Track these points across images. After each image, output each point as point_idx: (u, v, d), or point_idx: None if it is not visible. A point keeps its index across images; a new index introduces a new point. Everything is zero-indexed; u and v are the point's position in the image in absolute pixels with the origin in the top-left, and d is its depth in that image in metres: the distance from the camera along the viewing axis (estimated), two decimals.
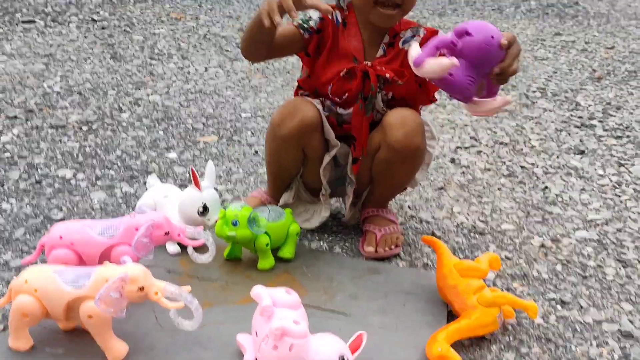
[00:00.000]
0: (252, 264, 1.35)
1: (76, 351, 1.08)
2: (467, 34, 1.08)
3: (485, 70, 1.12)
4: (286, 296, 1.07)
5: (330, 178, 1.49)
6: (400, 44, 1.40)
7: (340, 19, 1.41)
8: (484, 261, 1.22)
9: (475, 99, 1.16)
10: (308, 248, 1.47)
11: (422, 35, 1.39)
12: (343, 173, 1.50)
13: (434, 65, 1.07)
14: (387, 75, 1.36)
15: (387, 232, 1.46)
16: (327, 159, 1.44)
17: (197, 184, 1.36)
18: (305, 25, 1.39)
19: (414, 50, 1.12)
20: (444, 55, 1.09)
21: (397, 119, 1.37)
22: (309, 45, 1.40)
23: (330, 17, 1.40)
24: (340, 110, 1.43)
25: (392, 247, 1.44)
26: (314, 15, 1.40)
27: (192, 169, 1.35)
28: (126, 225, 1.18)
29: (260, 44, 1.34)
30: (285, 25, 1.36)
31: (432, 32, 1.40)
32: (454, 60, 1.07)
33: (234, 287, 1.28)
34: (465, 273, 1.21)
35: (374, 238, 1.44)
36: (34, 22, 3.06)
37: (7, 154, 1.77)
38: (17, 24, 3.00)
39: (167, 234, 1.20)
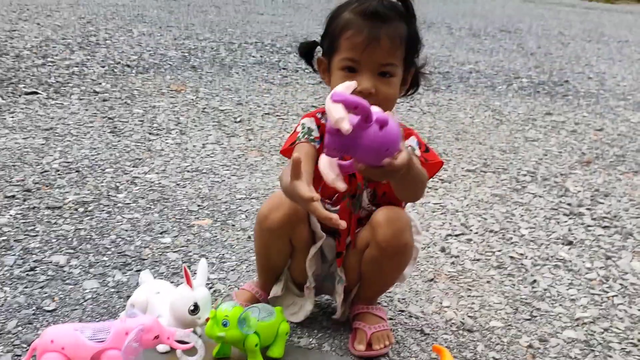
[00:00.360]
0: None
1: None
2: (381, 127, 1.07)
3: (355, 156, 1.11)
4: None
5: (317, 272, 1.52)
6: None
7: None
8: None
9: (335, 161, 1.15)
10: (297, 345, 1.48)
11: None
12: (331, 270, 1.53)
13: (337, 112, 1.04)
14: None
15: (377, 330, 1.48)
16: (313, 250, 1.47)
17: (189, 283, 1.38)
18: (313, 137, 1.43)
19: (344, 88, 1.09)
20: (355, 113, 1.06)
21: (385, 217, 1.41)
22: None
23: (323, 121, 1.46)
24: (328, 207, 1.47)
25: (382, 346, 1.46)
26: (310, 124, 1.45)
27: (184, 268, 1.38)
28: (116, 330, 1.20)
29: None
30: (302, 147, 1.40)
31: (409, 131, 1.44)
32: (347, 129, 1.03)
33: None
34: None
35: (364, 336, 1.46)
36: (37, 93, 3.14)
37: (4, 238, 1.79)
38: (19, 95, 3.08)
39: (156, 337, 1.22)
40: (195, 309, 1.36)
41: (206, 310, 1.38)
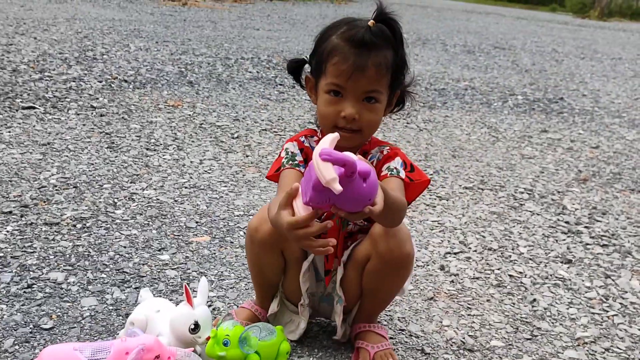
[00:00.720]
0: None
1: None
2: (364, 180, 1.09)
3: (337, 204, 1.11)
4: None
5: (311, 290, 1.51)
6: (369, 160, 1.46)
7: (314, 145, 1.48)
8: None
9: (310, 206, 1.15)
10: None
11: (385, 153, 1.46)
12: (328, 291, 1.52)
13: (328, 173, 1.05)
14: None
15: (380, 349, 1.47)
16: (305, 264, 1.47)
17: (189, 301, 1.36)
18: (296, 162, 1.45)
19: (328, 144, 1.10)
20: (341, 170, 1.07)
21: (385, 229, 1.40)
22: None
23: (306, 144, 1.47)
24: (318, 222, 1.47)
25: None
26: (293, 149, 1.47)
27: (185, 286, 1.37)
28: (117, 349, 1.18)
29: None
30: (288, 174, 1.43)
31: (394, 151, 1.46)
32: (338, 189, 1.05)
33: None
34: None
35: (368, 356, 1.44)
36: (34, 107, 3.13)
37: (0, 254, 1.77)
38: (17, 110, 3.07)
39: (157, 357, 1.21)
40: (195, 327, 1.35)
41: (207, 329, 1.37)
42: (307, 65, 1.48)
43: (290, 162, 1.45)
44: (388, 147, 1.47)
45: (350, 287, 1.48)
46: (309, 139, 1.50)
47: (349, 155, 1.07)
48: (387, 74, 1.37)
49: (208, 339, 1.33)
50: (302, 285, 1.48)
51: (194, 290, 1.43)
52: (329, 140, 1.12)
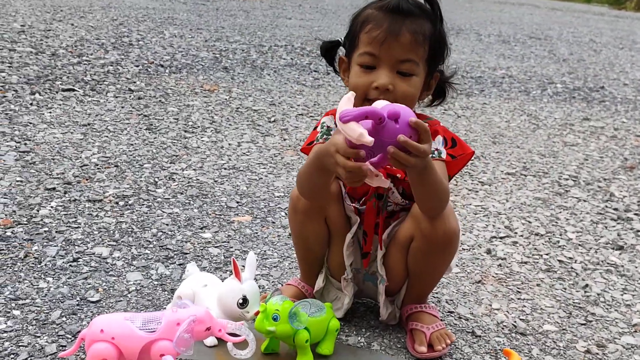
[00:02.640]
0: (291, 358, 1.31)
1: None
2: (396, 121, 1.11)
3: (383, 151, 1.14)
4: None
5: (355, 265, 1.47)
6: None
7: None
8: None
9: (367, 165, 1.17)
10: (345, 343, 1.43)
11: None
12: (372, 269, 1.48)
13: (353, 131, 1.08)
14: (398, 175, 1.38)
15: (436, 329, 1.42)
16: (349, 236, 1.42)
17: (237, 276, 1.34)
18: (330, 136, 1.40)
19: (345, 104, 1.12)
20: (367, 119, 1.10)
21: None
22: None
23: None
24: (357, 205, 1.43)
25: (444, 345, 1.40)
26: (330, 123, 1.42)
27: (233, 260, 1.34)
28: (168, 320, 1.16)
29: (324, 186, 1.35)
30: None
31: (434, 128, 1.39)
32: (370, 141, 1.07)
33: None
34: None
35: (424, 336, 1.40)
36: (73, 90, 3.15)
37: (45, 229, 1.77)
38: (57, 92, 3.09)
39: (208, 329, 1.18)
40: (244, 302, 1.33)
41: (255, 304, 1.34)
42: (341, 49, 1.43)
43: (325, 136, 1.40)
44: (427, 123, 1.41)
45: (394, 267, 1.44)
46: None
47: (367, 107, 1.09)
48: (424, 44, 1.29)
49: (256, 314, 1.31)
50: (346, 259, 1.44)
51: (241, 266, 1.40)
52: (345, 100, 1.13)
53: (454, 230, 1.36)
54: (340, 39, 1.41)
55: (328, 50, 1.43)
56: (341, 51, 1.43)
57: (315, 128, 1.45)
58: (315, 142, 1.41)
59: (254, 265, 1.38)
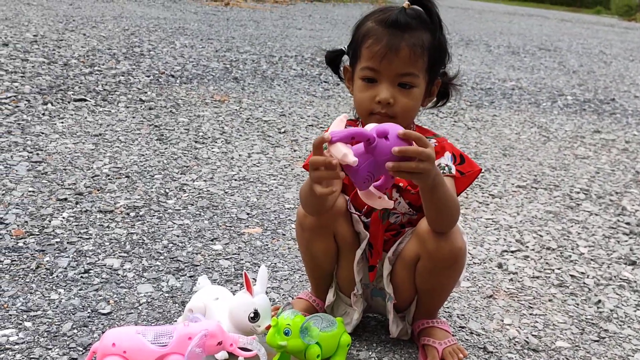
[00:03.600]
0: None
1: None
2: (386, 138, 1.13)
3: (382, 172, 1.17)
4: None
5: (365, 281, 1.46)
6: None
7: None
8: None
9: (371, 189, 1.19)
10: (356, 358, 1.42)
11: (433, 146, 1.39)
12: (380, 285, 1.47)
13: (338, 151, 1.11)
14: (401, 184, 1.38)
15: (448, 345, 1.41)
16: (359, 252, 1.42)
17: (249, 289, 1.34)
18: None
19: (336, 126, 1.15)
20: (356, 142, 1.14)
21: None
22: None
23: None
24: (363, 218, 1.43)
25: None
26: None
27: (245, 274, 1.34)
28: (179, 334, 1.16)
29: (322, 202, 1.35)
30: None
31: (442, 144, 1.39)
32: (354, 160, 1.10)
33: None
34: None
35: (436, 352, 1.39)
36: (85, 100, 3.17)
37: (57, 240, 1.78)
38: (69, 102, 3.11)
39: (219, 343, 1.18)
40: (255, 316, 1.32)
41: (266, 318, 1.34)
42: (346, 57, 1.44)
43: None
44: (435, 140, 1.41)
45: (401, 285, 1.43)
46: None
47: (355, 129, 1.13)
48: (423, 56, 1.31)
49: (268, 327, 1.30)
50: (356, 275, 1.43)
51: (252, 279, 1.40)
52: (337, 122, 1.16)
53: (459, 248, 1.35)
54: (344, 48, 1.43)
55: (333, 59, 1.44)
56: (346, 59, 1.44)
57: None
58: None
59: (266, 278, 1.38)
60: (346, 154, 1.10)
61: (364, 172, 1.13)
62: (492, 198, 2.55)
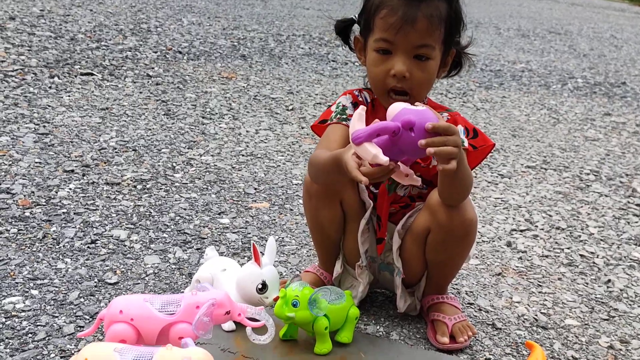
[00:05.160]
0: (308, 347, 1.30)
1: None
2: (411, 129, 1.10)
3: (412, 157, 1.17)
4: None
5: (370, 253, 1.44)
6: None
7: (369, 99, 1.41)
8: None
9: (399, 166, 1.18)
10: (364, 332, 1.41)
11: (445, 120, 1.37)
12: (388, 260, 1.46)
13: (368, 153, 1.09)
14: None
15: (458, 321, 1.40)
16: (363, 222, 1.40)
17: (257, 260, 1.32)
18: (345, 116, 1.38)
19: (357, 123, 1.12)
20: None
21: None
22: None
23: (360, 98, 1.41)
24: (372, 188, 1.41)
25: (466, 337, 1.38)
26: (345, 102, 1.40)
27: (253, 245, 1.32)
28: (187, 303, 1.15)
29: (340, 181, 1.35)
30: (334, 129, 1.37)
31: (454, 118, 1.37)
32: (385, 160, 1.07)
33: None
34: None
35: (446, 327, 1.38)
36: (92, 74, 3.14)
37: (64, 210, 1.77)
38: (75, 76, 3.08)
39: (227, 313, 1.17)
40: (263, 287, 1.31)
41: (274, 289, 1.33)
42: (356, 27, 1.41)
43: (339, 116, 1.39)
44: (447, 115, 1.38)
45: (410, 259, 1.42)
46: (364, 94, 1.43)
47: (378, 125, 1.09)
48: (440, 27, 1.27)
49: (276, 299, 1.29)
50: (360, 246, 1.42)
51: (260, 253, 1.38)
52: (357, 118, 1.13)
53: (471, 219, 1.33)
54: (354, 17, 1.39)
55: (343, 29, 1.41)
56: (356, 28, 1.42)
57: (330, 107, 1.43)
58: (329, 121, 1.40)
59: (274, 250, 1.37)
60: (376, 154, 1.07)
61: (389, 155, 1.10)
62: (501, 178, 2.53)
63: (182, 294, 1.18)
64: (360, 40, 1.38)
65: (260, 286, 1.31)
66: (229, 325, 1.32)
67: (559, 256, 1.89)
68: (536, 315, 1.56)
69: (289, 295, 1.26)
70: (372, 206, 1.40)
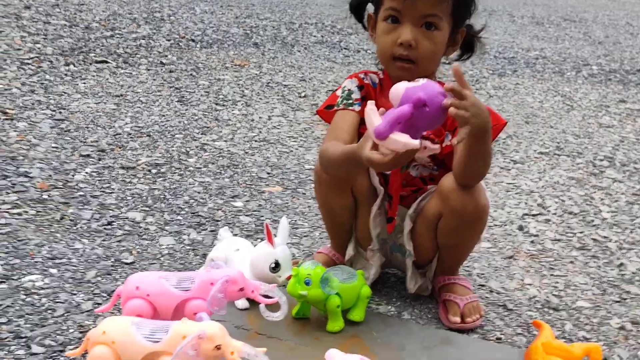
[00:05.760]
0: (320, 325, 1.31)
1: None
2: (424, 105, 1.11)
3: (430, 129, 1.19)
4: None
5: (382, 235, 1.45)
6: None
7: (377, 81, 1.42)
8: (578, 347, 1.17)
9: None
10: (376, 311, 1.43)
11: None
12: (400, 241, 1.47)
13: (397, 144, 1.10)
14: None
15: (469, 301, 1.41)
16: (375, 207, 1.41)
17: (270, 240, 1.34)
18: (351, 101, 1.39)
19: (374, 119, 1.13)
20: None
21: (454, 182, 1.33)
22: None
23: (366, 81, 1.41)
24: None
25: (477, 317, 1.39)
26: (351, 86, 1.41)
27: (266, 225, 1.34)
28: (202, 280, 1.17)
29: (354, 174, 1.37)
30: (342, 116, 1.38)
31: None
32: (417, 144, 1.09)
33: (303, 349, 1.25)
34: (550, 351, 1.17)
35: (457, 307, 1.39)
36: (106, 62, 3.17)
37: (81, 193, 1.80)
38: (90, 64, 3.12)
39: (241, 290, 1.19)
40: (276, 266, 1.33)
41: (287, 269, 1.35)
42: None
43: (345, 101, 1.40)
44: None
45: (421, 243, 1.43)
46: (370, 76, 1.44)
47: (393, 114, 1.10)
48: None
49: (289, 278, 1.31)
50: (372, 230, 1.43)
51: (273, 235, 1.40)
52: (372, 115, 1.13)
53: (484, 206, 1.34)
54: None
55: (357, 7, 1.43)
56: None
57: (335, 91, 1.44)
58: (335, 107, 1.41)
59: (287, 230, 1.38)
60: (406, 142, 1.09)
61: (406, 131, 1.12)
62: (514, 164, 2.52)
63: (196, 272, 1.21)
64: (372, 17, 1.40)
65: (273, 265, 1.33)
66: (242, 303, 1.34)
67: (571, 240, 1.90)
68: (548, 297, 1.56)
69: (302, 273, 1.27)
70: (384, 192, 1.41)
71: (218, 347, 1.00)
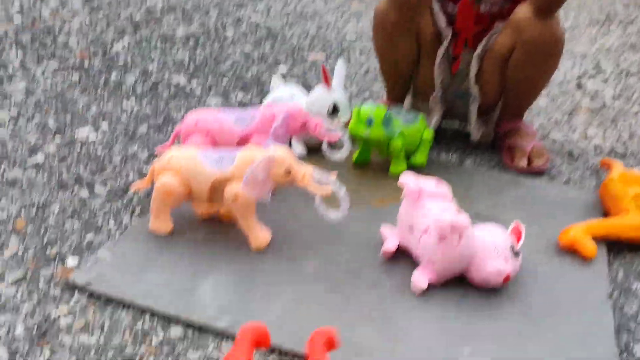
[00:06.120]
0: (382, 169, 1.27)
1: (216, 238, 1.04)
2: None
3: None
4: (437, 187, 0.99)
5: (445, 81, 1.38)
6: None
7: None
8: None
9: None
10: (437, 160, 1.38)
11: None
12: (463, 87, 1.39)
13: None
14: None
15: (536, 145, 1.35)
16: (441, 50, 1.33)
17: (327, 82, 1.28)
18: None
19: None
20: None
21: (531, 11, 1.24)
22: None
23: None
24: (450, 7, 1.32)
25: (545, 160, 1.34)
26: None
27: (323, 67, 1.28)
28: (263, 114, 1.12)
29: None
30: None
31: None
32: None
33: (367, 190, 1.22)
34: (628, 181, 1.12)
35: (524, 151, 1.33)
36: None
37: (120, 62, 1.74)
38: None
39: (303, 125, 1.14)
40: (334, 110, 1.28)
41: (344, 113, 1.29)
42: None
43: None
44: None
45: (487, 84, 1.35)
46: None
47: None
48: None
49: (347, 124, 1.26)
50: (436, 77, 1.36)
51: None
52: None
53: (561, 36, 1.27)
54: None
55: None
56: None
57: None
58: None
59: (343, 74, 1.32)
60: None
61: None
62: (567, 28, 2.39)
63: (256, 108, 1.16)
64: None
65: (331, 109, 1.28)
66: (299, 150, 1.30)
67: (632, 96, 1.80)
68: (613, 145, 1.50)
69: (363, 113, 1.22)
70: (450, 34, 1.33)
71: (288, 172, 0.96)
